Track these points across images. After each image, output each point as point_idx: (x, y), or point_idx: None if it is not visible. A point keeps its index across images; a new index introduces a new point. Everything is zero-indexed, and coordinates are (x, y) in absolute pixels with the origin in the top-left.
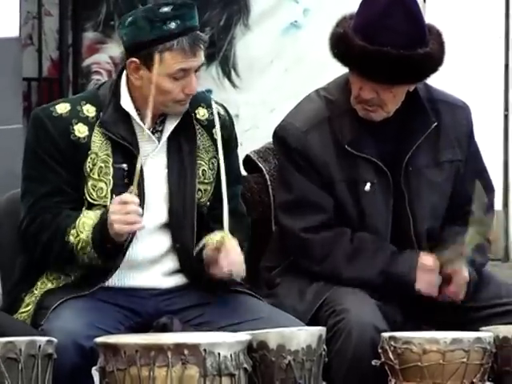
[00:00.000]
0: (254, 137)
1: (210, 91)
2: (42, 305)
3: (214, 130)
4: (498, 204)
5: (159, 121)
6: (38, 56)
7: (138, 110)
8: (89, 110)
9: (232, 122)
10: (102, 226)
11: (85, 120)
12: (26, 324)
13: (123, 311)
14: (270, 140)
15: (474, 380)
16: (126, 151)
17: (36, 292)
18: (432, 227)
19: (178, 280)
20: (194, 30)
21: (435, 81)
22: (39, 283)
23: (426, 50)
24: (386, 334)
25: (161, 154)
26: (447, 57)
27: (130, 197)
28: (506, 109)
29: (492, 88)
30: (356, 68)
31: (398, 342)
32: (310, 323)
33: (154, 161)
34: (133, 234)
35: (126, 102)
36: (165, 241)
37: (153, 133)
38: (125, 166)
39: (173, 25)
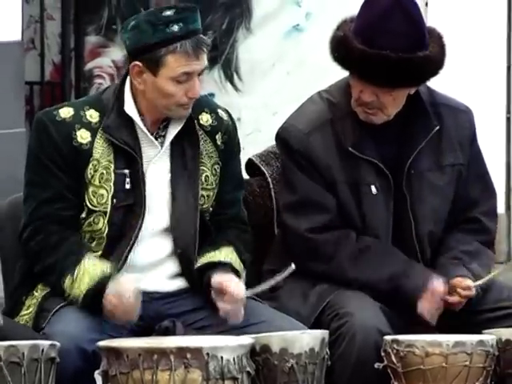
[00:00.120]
0: (256, 140)
1: (212, 95)
2: (43, 307)
3: (217, 136)
4: (500, 207)
5: (162, 126)
6: (40, 60)
7: (141, 115)
8: (92, 116)
9: (235, 126)
10: (95, 293)
11: (88, 126)
12: (28, 328)
13: None
14: (273, 143)
15: (477, 383)
16: (128, 156)
17: (37, 294)
18: (434, 230)
19: (180, 283)
20: (196, 34)
21: (437, 84)
22: (40, 285)
23: (425, 53)
24: (388, 337)
25: (164, 159)
26: (449, 59)
27: (134, 306)
28: (509, 111)
29: (494, 91)
30: (356, 71)
31: (401, 344)
32: (313, 326)
33: (156, 165)
34: (134, 239)
35: (130, 107)
36: (166, 245)
37: (156, 138)
38: (126, 171)
39: (176, 28)
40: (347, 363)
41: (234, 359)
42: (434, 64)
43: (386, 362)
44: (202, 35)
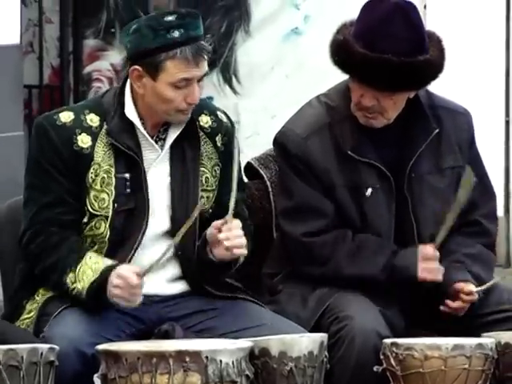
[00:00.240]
0: (254, 143)
1: (210, 98)
2: (45, 311)
3: (217, 138)
4: (499, 210)
5: (162, 129)
6: (38, 63)
7: (141, 118)
8: (92, 120)
9: (234, 129)
10: (99, 285)
11: (88, 130)
12: (28, 332)
13: (125, 318)
14: (271, 147)
15: None
16: (129, 160)
17: (38, 298)
18: (435, 233)
19: (180, 287)
20: (197, 40)
21: (436, 87)
22: (41, 290)
23: (426, 56)
24: (387, 341)
25: (164, 162)
26: (448, 63)
27: (138, 283)
28: (507, 115)
29: (493, 94)
30: (357, 75)
31: (400, 348)
32: (313, 330)
33: (157, 169)
34: (137, 243)
35: (130, 111)
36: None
37: (156, 141)
38: (127, 175)
39: (176, 33)
40: (347, 366)
41: (232, 363)
42: (435, 68)
43: (385, 365)
44: (203, 42)
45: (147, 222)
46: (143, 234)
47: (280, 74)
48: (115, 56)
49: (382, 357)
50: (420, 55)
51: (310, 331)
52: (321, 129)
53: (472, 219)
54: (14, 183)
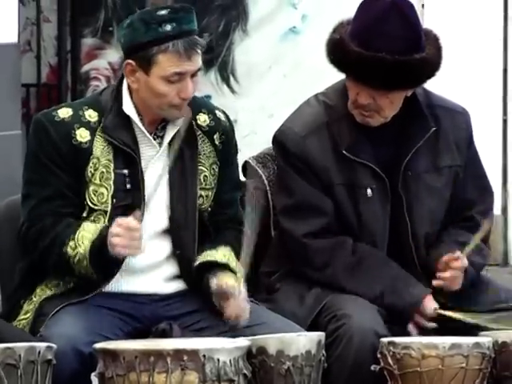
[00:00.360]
0: (252, 142)
1: (208, 97)
2: (41, 312)
3: (215, 136)
4: (496, 209)
5: (160, 126)
6: (36, 62)
7: (139, 114)
8: (91, 115)
9: (232, 128)
10: (100, 243)
11: (87, 125)
12: (25, 332)
13: (122, 317)
14: (269, 146)
15: None
16: (127, 156)
17: (35, 299)
18: (430, 232)
19: (178, 286)
20: (191, 34)
21: (434, 86)
22: (38, 290)
23: (422, 55)
24: (385, 339)
25: (162, 159)
26: (445, 61)
27: (135, 224)
28: (505, 113)
29: (490, 93)
30: (352, 74)
31: (398, 347)
32: (310, 328)
33: (155, 166)
34: None
35: (128, 107)
36: (165, 246)
37: (154, 138)
38: (126, 171)
39: (168, 27)
40: (344, 365)
41: (230, 361)
42: (431, 66)
43: (382, 364)
44: (196, 36)
45: (142, 219)
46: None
47: (278, 73)
48: (113, 55)
49: (379, 356)
50: (416, 53)
51: (307, 330)
52: (319, 128)
53: (467, 215)
54: (12, 182)
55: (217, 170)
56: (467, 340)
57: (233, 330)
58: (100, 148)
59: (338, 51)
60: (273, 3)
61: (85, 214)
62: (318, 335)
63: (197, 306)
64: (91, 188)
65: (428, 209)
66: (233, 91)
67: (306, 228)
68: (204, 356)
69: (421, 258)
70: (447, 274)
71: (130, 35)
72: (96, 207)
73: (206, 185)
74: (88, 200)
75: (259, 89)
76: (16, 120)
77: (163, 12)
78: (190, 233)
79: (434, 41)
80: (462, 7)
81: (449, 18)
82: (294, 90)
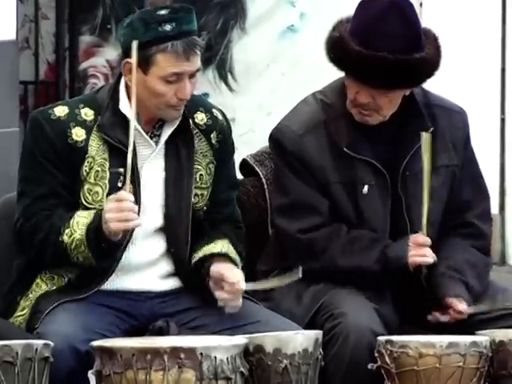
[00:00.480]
0: (250, 141)
1: (206, 95)
2: (37, 309)
3: (212, 135)
4: (494, 208)
5: (157, 125)
6: (34, 59)
7: (136, 114)
8: (87, 114)
9: (230, 127)
10: (96, 225)
11: (83, 124)
12: (22, 329)
13: (119, 314)
14: (267, 144)
15: None
16: (122, 155)
17: (31, 296)
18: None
19: (174, 283)
20: (190, 35)
21: (431, 85)
22: (34, 285)
23: (421, 54)
24: (382, 338)
25: (158, 158)
26: (443, 60)
27: (125, 194)
28: (503, 112)
29: (488, 92)
30: (352, 73)
31: (395, 345)
32: (307, 327)
33: (151, 165)
34: (128, 238)
35: (125, 106)
36: (160, 244)
37: (151, 137)
38: (121, 170)
39: (168, 27)
40: (341, 364)
41: (227, 359)
42: (430, 65)
43: (379, 363)
44: (196, 37)
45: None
46: (133, 229)
47: (276, 71)
48: (111, 52)
49: (376, 354)
50: (415, 53)
51: (305, 328)
52: (316, 126)
53: (466, 221)
54: (9, 179)
55: (213, 169)
56: (464, 339)
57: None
58: (95, 147)
59: (337, 49)
60: (271, 1)
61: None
62: (315, 333)
63: (193, 303)
64: (86, 187)
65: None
66: (231, 89)
67: (301, 226)
68: (201, 354)
69: None
70: (444, 319)
71: (129, 34)
72: (91, 206)
73: (201, 184)
74: (83, 199)
75: (257, 87)
76: (14, 117)
77: (163, 12)
78: (184, 231)
79: (433, 40)
80: (461, 6)
81: (447, 17)
82: (292, 88)
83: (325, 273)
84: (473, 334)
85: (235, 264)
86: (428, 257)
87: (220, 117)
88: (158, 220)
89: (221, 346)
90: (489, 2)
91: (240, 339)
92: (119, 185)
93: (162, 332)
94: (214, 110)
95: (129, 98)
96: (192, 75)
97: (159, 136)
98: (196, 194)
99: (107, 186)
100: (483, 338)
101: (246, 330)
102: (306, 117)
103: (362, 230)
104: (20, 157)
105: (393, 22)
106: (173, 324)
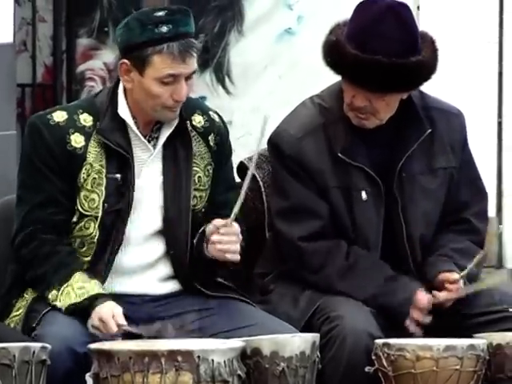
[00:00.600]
0: (247, 143)
1: (203, 98)
2: (33, 308)
3: (209, 137)
4: (491, 210)
5: (155, 128)
6: (31, 62)
7: (134, 117)
8: (86, 120)
9: (227, 129)
10: (79, 310)
11: (81, 130)
12: (19, 332)
13: None
14: (264, 147)
15: None
16: (121, 159)
17: (27, 297)
18: (425, 234)
19: (172, 286)
20: (187, 37)
21: (429, 88)
22: (30, 288)
23: (418, 58)
24: (379, 341)
25: (156, 161)
26: (441, 63)
27: (116, 331)
28: (500, 116)
29: (486, 95)
30: (348, 76)
31: (392, 348)
32: (304, 330)
33: (149, 168)
34: (120, 241)
35: (123, 110)
36: (159, 247)
37: (149, 140)
38: (118, 176)
39: (164, 29)
40: (338, 367)
41: (224, 362)
42: (427, 69)
43: (376, 366)
44: (192, 39)
45: (130, 221)
46: (123, 234)
47: (273, 74)
48: (108, 55)
49: (373, 357)
50: (412, 56)
51: (301, 331)
52: (315, 130)
53: (462, 217)
54: (7, 182)
55: (211, 171)
56: (462, 342)
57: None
58: (94, 154)
59: (334, 53)
60: (268, 4)
61: (75, 219)
62: (313, 336)
63: (191, 306)
64: (82, 193)
65: (423, 210)
66: (228, 92)
67: (301, 231)
68: (198, 357)
69: (416, 260)
70: (442, 295)
71: (125, 35)
72: (87, 213)
73: (200, 186)
74: (79, 205)
75: (254, 90)
76: (11, 120)
77: (160, 13)
78: (183, 234)
79: (430, 43)
80: (458, 9)
81: (444, 21)
82: (290, 91)
83: (316, 287)
84: (470, 337)
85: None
86: (421, 329)
87: (217, 119)
88: (157, 223)
89: (218, 349)
90: (486, 6)
91: (237, 342)
92: (118, 191)
93: (159, 335)
94: (210, 113)
95: (127, 101)
96: (188, 77)
97: (157, 139)
98: (194, 196)
99: (104, 192)
100: (480, 341)
101: (243, 333)
102: (304, 120)
103: (363, 252)
104: (19, 161)
105: (389, 26)
106: (170, 327)
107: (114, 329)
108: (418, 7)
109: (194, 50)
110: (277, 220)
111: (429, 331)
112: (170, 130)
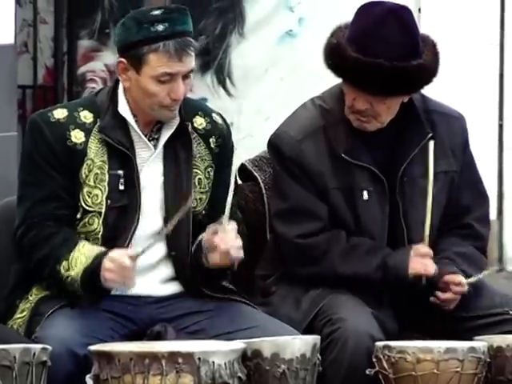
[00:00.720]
0: (248, 145)
1: (204, 100)
2: (37, 311)
3: (211, 139)
4: (492, 213)
5: (155, 128)
6: (33, 64)
7: (134, 116)
8: (86, 117)
9: (230, 131)
10: (92, 271)
11: (82, 126)
12: (19, 333)
13: (117, 319)
14: (265, 149)
15: None
16: (122, 157)
17: (31, 298)
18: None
19: (173, 288)
20: (184, 35)
21: (430, 90)
22: (34, 289)
23: (419, 61)
24: (380, 343)
25: (157, 162)
26: (442, 66)
27: (129, 266)
28: (501, 118)
29: (486, 97)
30: (349, 79)
31: (392, 351)
32: (305, 332)
33: (150, 168)
34: (128, 242)
35: (124, 108)
36: (160, 248)
37: (149, 140)
38: (120, 172)
39: (160, 27)
40: (339, 369)
41: (225, 364)
42: (428, 72)
43: (377, 368)
44: (189, 37)
45: (138, 219)
46: (134, 231)
47: (274, 76)
48: (109, 57)
49: (374, 359)
50: (413, 59)
51: (303, 333)
52: (315, 132)
53: (464, 222)
54: (8, 183)
55: (212, 173)
56: (462, 344)
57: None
58: (95, 149)
59: (335, 56)
60: (270, 6)
61: (78, 216)
62: (313, 338)
63: (192, 308)
64: (85, 189)
65: (423, 214)
66: (229, 94)
67: (299, 231)
68: (199, 359)
69: None
70: (446, 296)
71: (122, 34)
72: (90, 209)
73: (200, 188)
74: (82, 201)
75: (256, 92)
76: (12, 121)
77: (156, 12)
78: (184, 235)
79: (431, 46)
80: (459, 12)
81: (445, 23)
82: (291, 93)
83: (323, 278)
84: (471, 339)
85: None
86: (429, 267)
87: (220, 121)
88: (158, 223)
89: (219, 351)
90: (487, 8)
91: (238, 344)
92: (120, 188)
93: (159, 336)
94: (213, 115)
95: (127, 100)
96: (186, 76)
97: (157, 139)
98: (195, 198)
99: (106, 188)
100: (481, 343)
101: (243, 335)
102: (304, 122)
103: (362, 238)
104: (19, 161)
105: (391, 29)
106: (170, 329)
107: (128, 262)
108: (419, 10)
109: (191, 49)
110: (276, 222)
111: (429, 333)
112: (171, 131)
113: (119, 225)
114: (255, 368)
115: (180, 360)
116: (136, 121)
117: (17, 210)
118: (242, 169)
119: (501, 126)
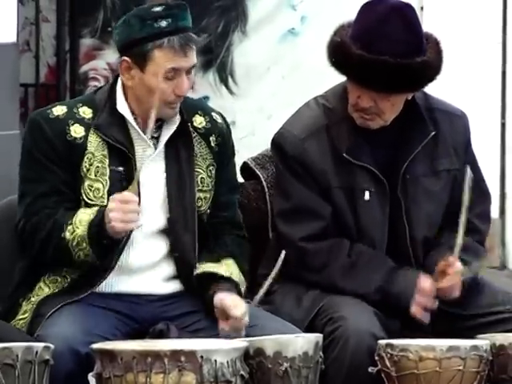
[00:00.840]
0: (250, 144)
1: (206, 98)
2: (39, 313)
3: (211, 138)
4: (494, 212)
5: (156, 126)
6: (35, 62)
7: (133, 113)
8: (85, 112)
9: (229, 130)
10: (98, 222)
11: (81, 121)
12: (22, 331)
13: (120, 317)
14: (267, 147)
15: None
16: (122, 154)
17: (33, 299)
18: (428, 235)
19: (175, 286)
20: (186, 31)
21: (433, 88)
22: (36, 288)
23: (423, 58)
24: (382, 342)
25: (158, 160)
26: (444, 64)
27: (130, 196)
28: (503, 117)
29: (489, 96)
30: (354, 77)
31: (395, 349)
32: (307, 330)
33: (151, 166)
34: (126, 240)
35: (122, 106)
36: (162, 247)
37: (149, 139)
38: (121, 169)
39: (164, 23)
40: (341, 367)
41: (227, 362)
42: (432, 69)
43: (379, 367)
44: (191, 33)
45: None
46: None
47: (276, 74)
48: (112, 55)
49: (376, 358)
50: (417, 57)
51: (304, 331)
52: (318, 131)
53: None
54: (10, 182)
55: (213, 172)
56: (465, 342)
57: (223, 337)
58: (95, 143)
59: (339, 54)
60: (272, 5)
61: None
62: (316, 337)
63: (194, 306)
64: (86, 183)
65: (426, 212)
66: (231, 92)
67: (303, 232)
68: (201, 357)
69: (418, 262)
70: (446, 283)
71: (125, 32)
72: (92, 202)
73: (203, 187)
74: (84, 195)
75: (258, 90)
76: (14, 120)
77: (158, 9)
78: (189, 235)
79: (434, 44)
80: (462, 10)
81: (448, 21)
82: (293, 91)
83: (323, 287)
84: (473, 337)
85: (237, 287)
86: (427, 316)
87: (219, 120)
88: (159, 221)
89: (221, 349)
90: (489, 6)
91: (240, 342)
92: (122, 183)
93: (162, 335)
94: (213, 114)
95: (125, 98)
96: (188, 71)
97: (157, 138)
98: (199, 198)
99: (108, 182)
100: (483, 341)
101: (246, 333)
102: (307, 121)
103: (365, 248)
104: (20, 158)
105: (394, 26)
106: (173, 327)
107: (129, 195)
108: (422, 8)
109: (194, 43)
110: (278, 221)
111: (432, 332)
112: (172, 130)
113: None
114: (258, 366)
115: (182, 358)
116: (135, 118)
117: (18, 207)
118: (245, 167)
119: (503, 125)
